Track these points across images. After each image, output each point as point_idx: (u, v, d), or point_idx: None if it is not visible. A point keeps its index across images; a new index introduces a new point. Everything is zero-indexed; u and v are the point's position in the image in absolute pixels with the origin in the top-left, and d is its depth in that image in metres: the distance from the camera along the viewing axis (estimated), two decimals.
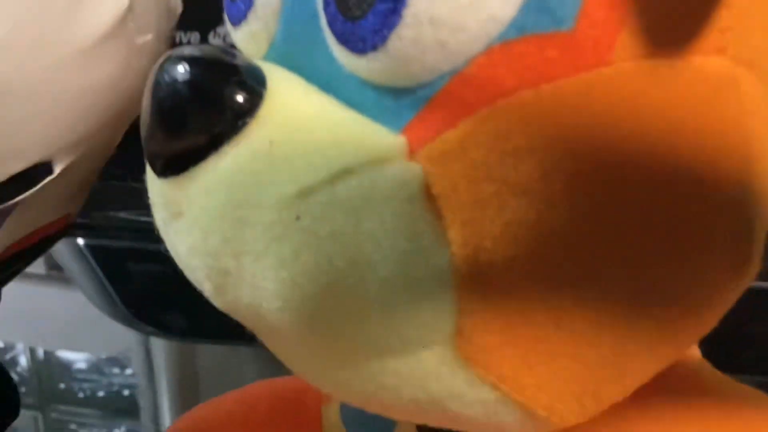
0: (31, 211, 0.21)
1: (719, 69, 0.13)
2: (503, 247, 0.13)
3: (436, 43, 0.13)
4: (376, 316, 0.13)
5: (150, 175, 0.15)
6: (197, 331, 0.44)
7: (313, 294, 0.13)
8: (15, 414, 0.30)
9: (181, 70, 0.14)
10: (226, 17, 0.17)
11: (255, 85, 0.14)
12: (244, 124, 0.14)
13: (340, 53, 0.14)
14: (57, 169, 0.21)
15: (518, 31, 0.12)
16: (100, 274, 0.50)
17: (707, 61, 0.13)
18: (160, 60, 0.14)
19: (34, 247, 0.24)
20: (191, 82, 0.14)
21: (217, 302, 0.15)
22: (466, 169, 0.13)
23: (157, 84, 0.14)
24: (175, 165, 0.14)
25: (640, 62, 0.13)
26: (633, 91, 0.13)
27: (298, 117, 0.14)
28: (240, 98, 0.14)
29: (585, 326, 0.13)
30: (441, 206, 0.13)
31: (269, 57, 0.16)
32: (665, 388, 0.17)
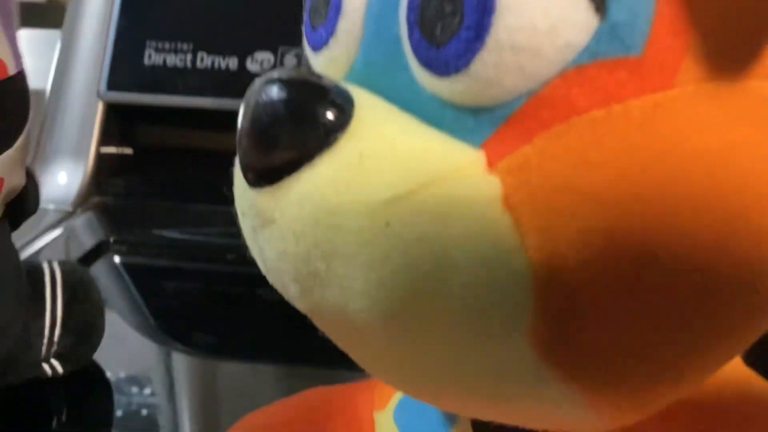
0: None
1: None
2: (576, 253, 0.14)
3: (515, 68, 0.14)
4: (457, 316, 0.14)
5: (240, 187, 0.17)
6: (223, 348, 0.45)
7: (399, 294, 0.14)
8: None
9: (277, 90, 0.15)
10: (305, 43, 0.19)
11: (344, 103, 0.15)
12: (335, 139, 0.15)
13: (421, 76, 0.15)
14: None
15: (591, 56, 0.14)
16: (134, 290, 0.51)
17: (763, 84, 0.14)
18: (256, 82, 0.16)
19: None
20: (287, 101, 0.15)
21: (301, 303, 0.16)
22: (541, 180, 0.14)
23: (255, 104, 0.15)
24: (269, 177, 0.15)
25: (702, 85, 0.14)
26: (695, 111, 0.14)
27: (385, 132, 0.15)
28: (331, 116, 0.15)
29: (653, 329, 0.14)
30: (518, 214, 0.14)
31: (349, 80, 0.17)
32: (713, 394, 0.18)
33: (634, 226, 0.14)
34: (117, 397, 0.38)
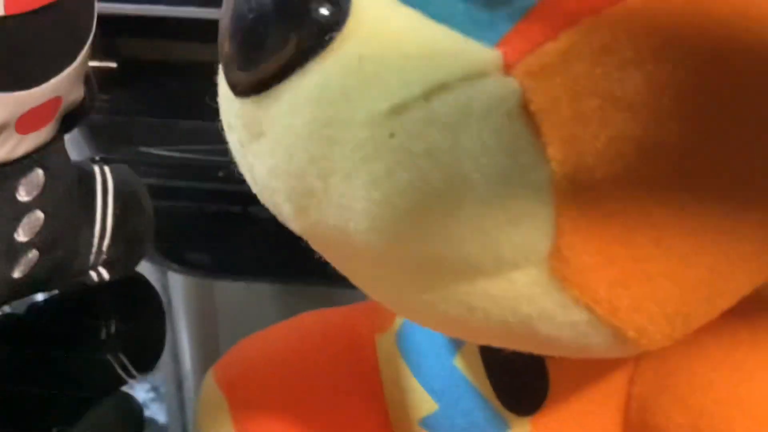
0: None
1: None
2: (606, 164, 0.12)
3: None
4: (470, 236, 0.13)
5: (225, 96, 0.15)
6: (219, 267, 0.45)
7: (405, 213, 0.13)
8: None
9: None
10: None
11: None
12: (331, 39, 0.13)
13: None
14: None
15: None
16: None
17: None
18: None
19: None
20: None
21: (296, 224, 0.15)
22: (567, 83, 0.12)
23: (237, 0, 0.14)
24: (256, 84, 0.14)
25: None
26: None
27: (387, 31, 0.13)
28: (325, 11, 0.13)
29: (685, 245, 0.13)
30: (540, 123, 0.12)
31: None
32: (743, 313, 0.16)
33: (673, 133, 0.12)
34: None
